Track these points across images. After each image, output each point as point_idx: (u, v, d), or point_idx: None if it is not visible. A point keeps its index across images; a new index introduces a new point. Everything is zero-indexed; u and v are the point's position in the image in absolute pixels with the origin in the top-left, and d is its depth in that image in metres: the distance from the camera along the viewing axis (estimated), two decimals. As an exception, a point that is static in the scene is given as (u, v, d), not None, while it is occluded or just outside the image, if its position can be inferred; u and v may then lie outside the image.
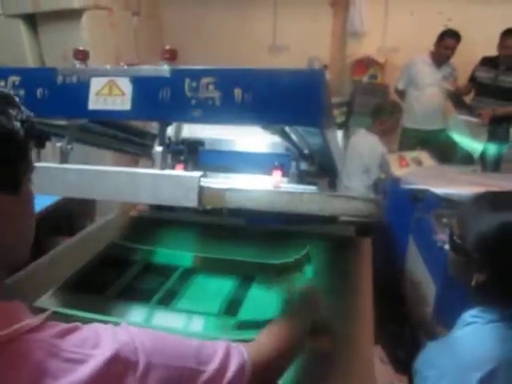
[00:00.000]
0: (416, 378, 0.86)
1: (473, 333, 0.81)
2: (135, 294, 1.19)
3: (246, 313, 1.10)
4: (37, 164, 0.88)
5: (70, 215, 2.53)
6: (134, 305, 1.12)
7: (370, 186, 2.62)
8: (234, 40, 3.89)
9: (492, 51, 3.02)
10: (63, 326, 0.49)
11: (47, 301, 1.10)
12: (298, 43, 3.80)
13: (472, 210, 0.87)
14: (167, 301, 1.15)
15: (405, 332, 1.62)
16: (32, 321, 0.46)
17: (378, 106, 2.84)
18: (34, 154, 0.92)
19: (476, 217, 0.84)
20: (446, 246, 1.35)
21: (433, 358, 0.84)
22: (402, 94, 3.37)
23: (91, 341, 0.48)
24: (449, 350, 0.81)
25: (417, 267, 1.66)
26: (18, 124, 0.49)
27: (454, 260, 0.91)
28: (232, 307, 1.13)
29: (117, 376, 0.46)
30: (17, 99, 0.52)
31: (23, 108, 0.52)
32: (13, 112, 0.49)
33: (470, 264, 0.84)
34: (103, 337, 0.49)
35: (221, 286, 1.23)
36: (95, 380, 0.45)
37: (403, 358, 1.46)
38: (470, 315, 0.84)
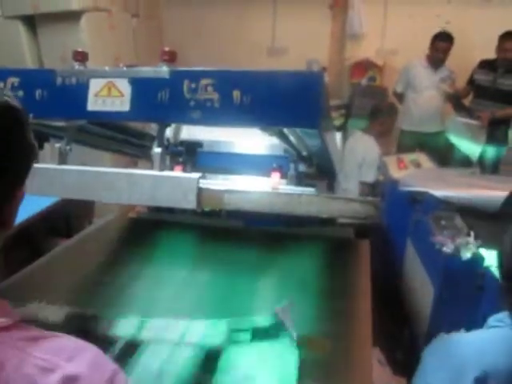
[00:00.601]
0: (420, 364, 0.83)
1: (488, 336, 0.78)
2: None
3: None
4: (35, 165, 0.88)
5: (67, 217, 2.52)
6: None
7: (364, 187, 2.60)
8: (232, 42, 3.90)
9: (490, 54, 3.03)
10: (39, 332, 0.48)
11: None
12: (297, 45, 3.81)
13: None
14: None
15: (403, 334, 1.62)
16: (6, 320, 0.46)
17: (376, 108, 2.85)
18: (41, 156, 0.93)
19: None
20: (445, 248, 1.36)
21: (439, 349, 0.81)
22: (400, 96, 3.38)
23: (67, 352, 0.47)
24: (457, 345, 0.78)
25: (415, 269, 1.66)
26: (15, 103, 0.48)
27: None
28: None
29: None
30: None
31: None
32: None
33: None
34: (85, 354, 0.48)
35: (177, 367, 0.87)
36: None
37: (401, 359, 1.46)
38: (495, 319, 0.81)
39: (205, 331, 0.97)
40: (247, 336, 0.96)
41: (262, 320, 1.00)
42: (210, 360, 0.89)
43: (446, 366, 0.76)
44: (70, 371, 0.45)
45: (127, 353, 0.90)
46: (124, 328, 0.97)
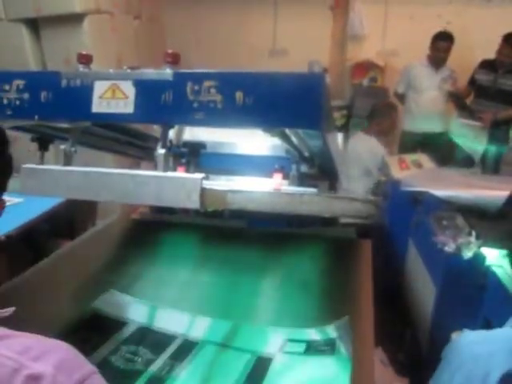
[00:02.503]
0: (442, 361, 0.79)
1: None
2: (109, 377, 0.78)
3: None
4: (41, 166, 0.89)
5: (70, 218, 2.53)
6: None
7: (370, 187, 2.62)
8: (233, 44, 3.92)
9: (491, 54, 3.03)
10: (7, 331, 0.48)
11: None
12: (298, 47, 3.82)
13: None
14: None
15: (405, 334, 1.63)
16: None
17: (374, 108, 2.86)
18: (37, 156, 0.94)
19: None
20: (447, 248, 1.36)
21: (464, 346, 0.76)
22: (401, 97, 3.38)
23: (34, 352, 0.47)
24: (487, 342, 0.74)
25: (417, 269, 1.67)
26: None
27: None
28: None
29: None
30: None
31: None
32: None
33: None
34: (53, 354, 0.47)
35: (226, 375, 0.88)
36: None
37: (404, 360, 1.47)
38: None
39: (258, 337, 0.98)
40: (301, 348, 0.94)
41: (319, 333, 0.98)
42: (260, 367, 0.89)
43: (467, 365, 0.71)
44: (35, 370, 0.45)
45: (182, 350, 0.94)
46: (178, 325, 1.02)
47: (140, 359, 0.91)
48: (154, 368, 0.88)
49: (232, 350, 0.95)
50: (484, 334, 0.77)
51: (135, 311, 1.08)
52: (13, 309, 0.49)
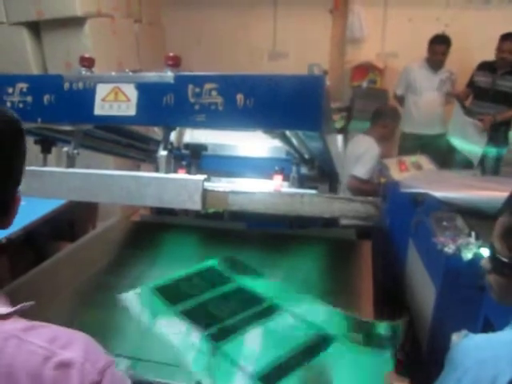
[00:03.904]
0: (447, 366, 0.77)
1: None
2: (199, 316, 1.07)
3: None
4: (44, 169, 0.90)
5: (71, 221, 2.54)
6: (188, 328, 1.01)
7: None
8: (233, 46, 3.93)
9: (490, 56, 3.05)
10: (32, 322, 0.52)
11: (129, 296, 1.15)
12: (298, 49, 3.83)
13: None
14: (218, 337, 1.00)
15: (405, 334, 1.63)
16: (2, 309, 0.49)
17: (380, 110, 2.84)
18: (40, 159, 0.95)
19: None
20: (447, 249, 1.37)
21: (470, 351, 0.74)
22: (400, 99, 3.40)
23: (62, 341, 0.50)
24: (492, 346, 0.73)
25: (417, 270, 1.67)
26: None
27: (501, 283, 0.77)
28: (274, 375, 0.91)
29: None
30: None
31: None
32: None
33: None
34: (80, 343, 0.51)
35: (284, 342, 0.99)
36: (51, 377, 0.47)
37: (404, 359, 1.47)
38: None
39: (325, 317, 1.09)
40: (360, 337, 1.02)
41: (379, 328, 1.05)
42: (317, 345, 0.99)
43: (473, 370, 0.70)
44: (65, 357, 0.48)
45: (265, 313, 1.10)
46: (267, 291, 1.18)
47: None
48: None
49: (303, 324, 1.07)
50: (488, 338, 0.76)
51: None
52: (32, 303, 0.52)
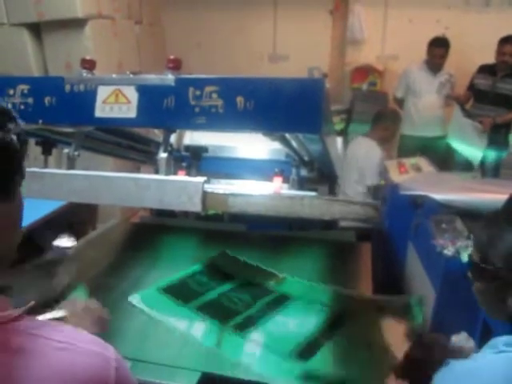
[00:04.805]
0: None
1: (503, 362, 0.71)
2: (216, 311, 1.14)
3: (318, 361, 0.97)
4: (44, 170, 0.90)
5: (71, 222, 2.54)
6: (208, 324, 1.08)
7: (364, 192, 2.61)
8: (234, 48, 3.94)
9: (490, 58, 3.05)
10: (44, 321, 0.54)
11: (137, 297, 1.18)
12: (298, 51, 3.84)
13: (493, 227, 0.76)
14: (243, 328, 1.07)
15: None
16: (13, 311, 0.50)
17: (381, 112, 2.86)
18: (41, 160, 0.95)
19: (501, 233, 0.74)
20: (446, 251, 1.37)
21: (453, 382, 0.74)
22: (400, 102, 3.40)
23: (72, 334, 0.52)
24: (473, 377, 0.72)
25: (416, 272, 1.67)
26: (14, 137, 0.51)
27: (483, 290, 0.78)
28: (307, 351, 1.00)
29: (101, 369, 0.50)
30: (13, 112, 0.54)
31: (18, 120, 0.54)
32: (10, 126, 0.51)
33: (504, 287, 0.74)
34: (84, 337, 0.53)
35: (306, 323, 1.10)
36: (72, 365, 0.48)
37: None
38: (504, 343, 0.73)
39: (337, 298, 1.20)
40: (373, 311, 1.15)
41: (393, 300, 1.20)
42: (334, 322, 1.11)
43: None
44: (90, 349, 0.50)
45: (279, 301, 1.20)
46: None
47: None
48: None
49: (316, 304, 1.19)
50: (468, 370, 0.74)
51: None
52: (33, 303, 0.54)
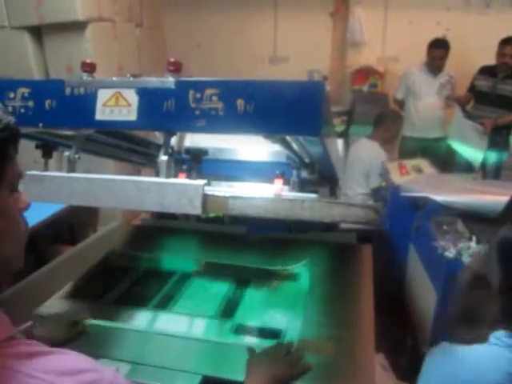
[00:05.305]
0: (420, 376, 0.82)
1: (486, 352, 0.77)
2: (133, 299, 1.23)
3: (241, 316, 1.15)
4: (45, 173, 0.90)
5: (72, 224, 2.55)
6: (131, 310, 1.16)
7: (368, 193, 2.62)
8: (234, 51, 3.95)
9: (490, 60, 3.05)
10: (37, 347, 0.48)
11: (47, 307, 1.12)
12: (298, 53, 3.85)
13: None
14: (164, 304, 1.20)
15: (406, 339, 1.63)
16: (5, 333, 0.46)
17: (382, 114, 2.86)
18: (41, 163, 0.95)
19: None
20: (448, 253, 1.37)
21: (437, 364, 0.81)
22: (401, 103, 3.40)
23: (60, 368, 0.46)
24: (456, 361, 0.77)
25: (417, 274, 1.67)
26: None
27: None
28: (228, 310, 1.17)
29: None
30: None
31: (4, 115, 0.49)
32: None
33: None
34: (84, 375, 0.47)
35: (217, 290, 1.28)
36: None
37: (405, 365, 1.46)
38: (495, 337, 0.79)
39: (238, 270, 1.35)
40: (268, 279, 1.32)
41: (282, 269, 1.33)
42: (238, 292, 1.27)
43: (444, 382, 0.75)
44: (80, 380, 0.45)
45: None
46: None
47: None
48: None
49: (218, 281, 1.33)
50: (459, 352, 0.79)
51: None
52: (30, 322, 0.50)
